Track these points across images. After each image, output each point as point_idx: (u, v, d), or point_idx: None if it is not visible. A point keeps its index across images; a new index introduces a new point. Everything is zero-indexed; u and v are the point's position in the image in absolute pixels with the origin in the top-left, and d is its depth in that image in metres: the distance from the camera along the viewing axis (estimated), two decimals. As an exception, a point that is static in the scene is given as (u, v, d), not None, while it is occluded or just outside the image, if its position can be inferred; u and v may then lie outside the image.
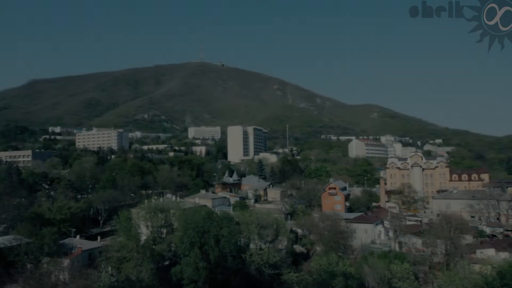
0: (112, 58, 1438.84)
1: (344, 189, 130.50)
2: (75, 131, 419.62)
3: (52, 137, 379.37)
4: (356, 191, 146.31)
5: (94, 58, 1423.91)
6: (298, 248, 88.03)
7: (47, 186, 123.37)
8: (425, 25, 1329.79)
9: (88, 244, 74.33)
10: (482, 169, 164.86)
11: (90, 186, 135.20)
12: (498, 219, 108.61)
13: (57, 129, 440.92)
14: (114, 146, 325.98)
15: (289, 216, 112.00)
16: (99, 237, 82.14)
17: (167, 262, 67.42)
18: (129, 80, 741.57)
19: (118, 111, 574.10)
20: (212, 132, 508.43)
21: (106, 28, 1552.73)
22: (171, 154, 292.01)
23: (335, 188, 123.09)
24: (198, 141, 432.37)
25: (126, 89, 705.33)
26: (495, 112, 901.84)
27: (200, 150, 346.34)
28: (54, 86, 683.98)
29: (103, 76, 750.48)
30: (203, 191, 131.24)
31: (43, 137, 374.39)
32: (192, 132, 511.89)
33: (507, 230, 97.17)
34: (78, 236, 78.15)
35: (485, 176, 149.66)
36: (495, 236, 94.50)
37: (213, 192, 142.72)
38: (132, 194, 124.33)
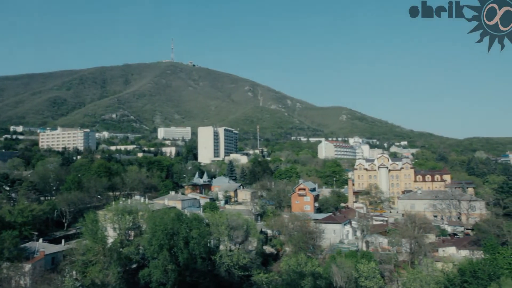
0: (78, 56, 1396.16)
1: (313, 190, 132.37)
2: (38, 131, 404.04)
3: (14, 136, 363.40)
4: (325, 191, 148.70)
5: (59, 56, 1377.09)
6: (268, 249, 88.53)
7: (8, 188, 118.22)
8: (390, 28, 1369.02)
9: (51, 248, 71.78)
10: (444, 170, 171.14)
11: (54, 188, 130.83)
12: (459, 218, 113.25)
13: (19, 129, 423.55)
14: (80, 147, 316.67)
15: (259, 217, 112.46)
16: (63, 241, 79.63)
17: (134, 265, 66.12)
18: (96, 79, 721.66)
19: (84, 111, 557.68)
20: (182, 132, 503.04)
21: (72, 24, 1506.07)
22: (140, 155, 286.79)
23: (304, 189, 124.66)
24: (168, 142, 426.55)
25: (93, 88, 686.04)
26: (457, 115, 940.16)
27: (170, 151, 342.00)
28: (16, 84, 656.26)
29: (68, 74, 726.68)
30: (172, 193, 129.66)
31: (4, 136, 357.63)
32: (161, 132, 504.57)
33: (467, 229, 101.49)
34: (40, 240, 75.26)
35: (447, 177, 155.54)
36: (456, 234, 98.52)
37: (183, 194, 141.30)
38: (99, 196, 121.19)
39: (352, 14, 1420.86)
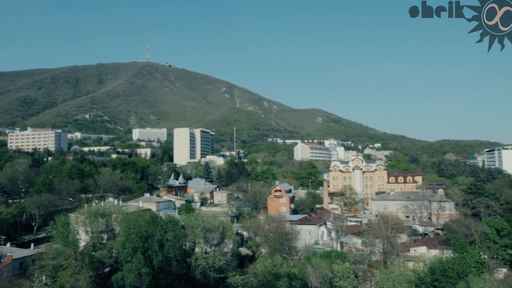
0: (50, 55, 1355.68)
1: (289, 191, 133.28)
2: (7, 131, 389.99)
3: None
4: (301, 193, 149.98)
5: (29, 54, 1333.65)
6: (243, 250, 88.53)
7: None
8: (369, 30, 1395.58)
9: (19, 252, 69.35)
10: (416, 171, 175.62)
11: (24, 190, 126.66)
12: (429, 218, 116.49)
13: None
14: (51, 148, 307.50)
15: (235, 218, 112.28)
16: (32, 245, 77.11)
17: (107, 269, 64.79)
18: (69, 78, 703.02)
19: (56, 111, 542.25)
20: (158, 134, 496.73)
21: (44, 22, 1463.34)
22: (114, 156, 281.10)
23: (280, 191, 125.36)
24: (143, 143, 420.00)
25: (65, 87, 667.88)
26: (429, 118, 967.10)
27: (145, 152, 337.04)
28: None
29: (40, 73, 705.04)
30: (147, 195, 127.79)
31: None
32: (136, 133, 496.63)
33: (437, 229, 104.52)
34: (8, 244, 72.67)
35: (419, 179, 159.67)
36: (427, 234, 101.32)
37: (158, 196, 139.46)
38: (71, 198, 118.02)
39: (324, 15, 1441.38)
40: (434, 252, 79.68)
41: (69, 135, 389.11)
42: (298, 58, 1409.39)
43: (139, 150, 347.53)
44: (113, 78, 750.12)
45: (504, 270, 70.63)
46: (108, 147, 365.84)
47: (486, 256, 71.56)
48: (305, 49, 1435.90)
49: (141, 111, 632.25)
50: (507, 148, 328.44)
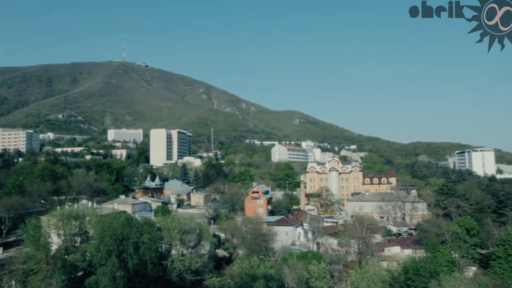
0: (22, 53, 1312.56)
1: (266, 192, 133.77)
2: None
3: None
4: (278, 194, 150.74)
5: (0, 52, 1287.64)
6: (221, 252, 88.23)
7: None
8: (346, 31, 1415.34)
9: (-12, 257, 67.00)
10: (390, 173, 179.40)
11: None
12: (403, 219, 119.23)
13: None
14: (22, 148, 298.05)
15: (212, 220, 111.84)
16: (1, 249, 74.51)
17: (81, 273, 63.32)
18: (41, 77, 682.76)
19: (27, 110, 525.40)
20: (134, 134, 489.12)
21: (16, 20, 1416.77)
22: (88, 157, 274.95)
23: (258, 192, 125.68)
24: (118, 144, 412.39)
25: (37, 86, 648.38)
26: (403, 120, 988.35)
27: (121, 153, 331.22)
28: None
29: (10, 71, 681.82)
30: (122, 196, 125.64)
31: None
32: (112, 134, 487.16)
33: (410, 229, 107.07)
34: (-25, 248, 70.12)
35: (393, 180, 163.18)
36: (401, 234, 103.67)
37: (134, 197, 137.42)
38: (42, 201, 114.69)
39: (302, 16, 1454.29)
40: (408, 252, 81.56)
41: (41, 136, 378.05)
42: (276, 60, 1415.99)
43: (114, 151, 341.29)
44: (88, 78, 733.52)
45: (474, 268, 72.97)
46: (82, 148, 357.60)
47: (456, 255, 73.75)
48: (283, 50, 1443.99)
49: (116, 111, 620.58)
50: (476, 150, 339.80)
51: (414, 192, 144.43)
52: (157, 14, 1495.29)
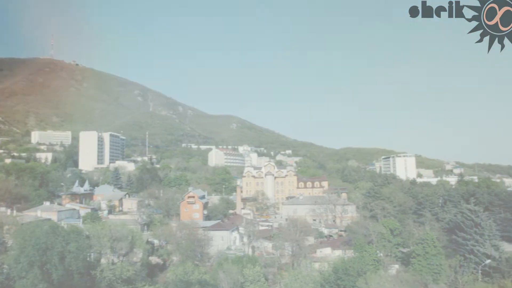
0: None
1: (202, 197, 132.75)
2: None
3: None
4: (214, 199, 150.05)
5: None
6: (154, 259, 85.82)
7: None
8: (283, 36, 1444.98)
9: None
10: (323, 177, 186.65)
11: None
12: (334, 221, 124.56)
13: None
14: None
15: (146, 226, 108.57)
16: None
17: (-3, 287, 58.00)
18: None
19: None
20: (61, 137, 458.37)
21: None
22: (8, 161, 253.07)
23: (194, 197, 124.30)
24: (43, 147, 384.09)
25: None
26: (335, 126, 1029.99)
27: (46, 156, 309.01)
28: None
29: None
30: (47, 203, 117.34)
31: None
32: (36, 136, 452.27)
33: (340, 231, 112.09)
34: None
35: (325, 184, 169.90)
36: (331, 236, 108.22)
37: (60, 204, 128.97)
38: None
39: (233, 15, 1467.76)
40: (338, 252, 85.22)
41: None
42: (212, 63, 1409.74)
43: (38, 155, 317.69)
44: (9, 75, 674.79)
45: (397, 266, 78.15)
46: (2, 151, 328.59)
47: (381, 254, 78.60)
48: (220, 54, 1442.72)
49: (42, 112, 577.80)
50: (400, 156, 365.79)
51: (344, 195, 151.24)
52: (89, 10, 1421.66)
